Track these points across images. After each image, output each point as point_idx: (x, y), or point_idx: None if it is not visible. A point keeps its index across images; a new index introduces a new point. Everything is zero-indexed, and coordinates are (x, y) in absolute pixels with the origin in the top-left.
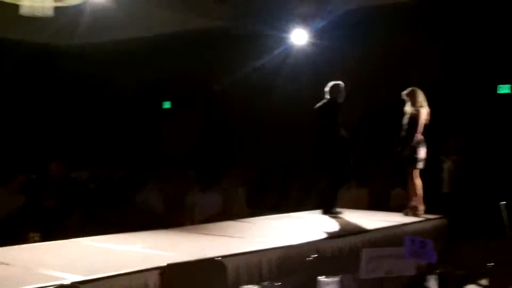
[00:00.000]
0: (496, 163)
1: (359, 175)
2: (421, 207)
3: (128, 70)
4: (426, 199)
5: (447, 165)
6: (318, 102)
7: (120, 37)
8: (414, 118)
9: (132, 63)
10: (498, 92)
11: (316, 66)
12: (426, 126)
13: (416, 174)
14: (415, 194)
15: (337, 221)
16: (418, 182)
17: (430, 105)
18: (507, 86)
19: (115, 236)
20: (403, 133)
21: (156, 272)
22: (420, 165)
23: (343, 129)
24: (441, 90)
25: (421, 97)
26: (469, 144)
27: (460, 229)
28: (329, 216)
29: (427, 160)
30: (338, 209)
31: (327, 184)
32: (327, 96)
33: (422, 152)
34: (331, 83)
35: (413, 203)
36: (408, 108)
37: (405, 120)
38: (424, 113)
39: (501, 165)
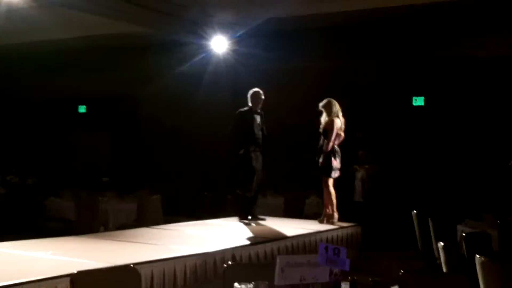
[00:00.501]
0: (410, 172)
1: (275, 183)
2: (335, 215)
3: (42, 74)
4: (340, 207)
5: (360, 174)
6: (236, 109)
7: (35, 39)
8: (328, 128)
9: (46, 67)
10: (413, 104)
11: (236, 73)
12: (340, 135)
13: (330, 182)
14: (330, 203)
15: (253, 228)
16: (333, 190)
17: (347, 115)
18: (421, 98)
19: (25, 242)
20: (320, 143)
21: (67, 279)
22: (335, 174)
23: (262, 136)
24: (359, 101)
25: (336, 108)
26: (383, 154)
27: (373, 236)
28: (245, 223)
29: (341, 169)
30: (260, 216)
31: (242, 191)
32: (248, 104)
33: (336, 162)
34: (250, 91)
35: (328, 211)
36: (323, 119)
37: (320, 130)
38: (338, 122)
39: (414, 174)
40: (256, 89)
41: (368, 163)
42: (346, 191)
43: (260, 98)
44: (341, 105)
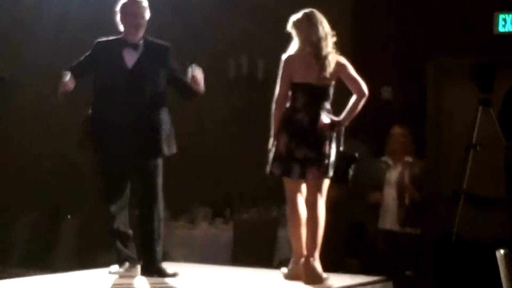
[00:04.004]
0: None
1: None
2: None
3: None
4: (350, 242)
5: (394, 174)
6: None
7: None
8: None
9: None
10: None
11: None
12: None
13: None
14: (311, 235)
15: None
16: (321, 212)
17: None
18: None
19: None
20: None
21: None
22: (294, 173)
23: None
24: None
25: (313, 28)
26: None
27: None
28: (150, 279)
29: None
30: (167, 271)
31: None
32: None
33: (282, 144)
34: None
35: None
36: None
37: None
38: (301, 59)
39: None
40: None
41: (411, 153)
42: (363, 211)
43: (136, 14)
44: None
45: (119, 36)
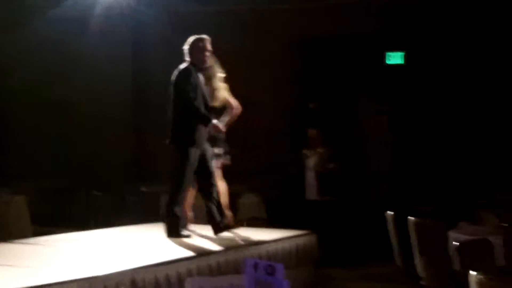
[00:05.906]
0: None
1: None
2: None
3: None
4: (287, 208)
5: (311, 161)
6: (139, 71)
7: None
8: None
9: None
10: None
11: (136, 18)
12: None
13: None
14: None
15: (164, 242)
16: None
17: (294, 78)
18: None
19: None
20: None
21: None
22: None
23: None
24: (313, 58)
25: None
26: (345, 132)
27: (334, 248)
28: (155, 234)
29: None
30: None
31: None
32: (186, 58)
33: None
34: (189, 39)
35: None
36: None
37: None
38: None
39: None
40: (202, 36)
41: (322, 146)
42: (294, 187)
43: (206, 49)
44: (289, 64)
45: (189, 64)
